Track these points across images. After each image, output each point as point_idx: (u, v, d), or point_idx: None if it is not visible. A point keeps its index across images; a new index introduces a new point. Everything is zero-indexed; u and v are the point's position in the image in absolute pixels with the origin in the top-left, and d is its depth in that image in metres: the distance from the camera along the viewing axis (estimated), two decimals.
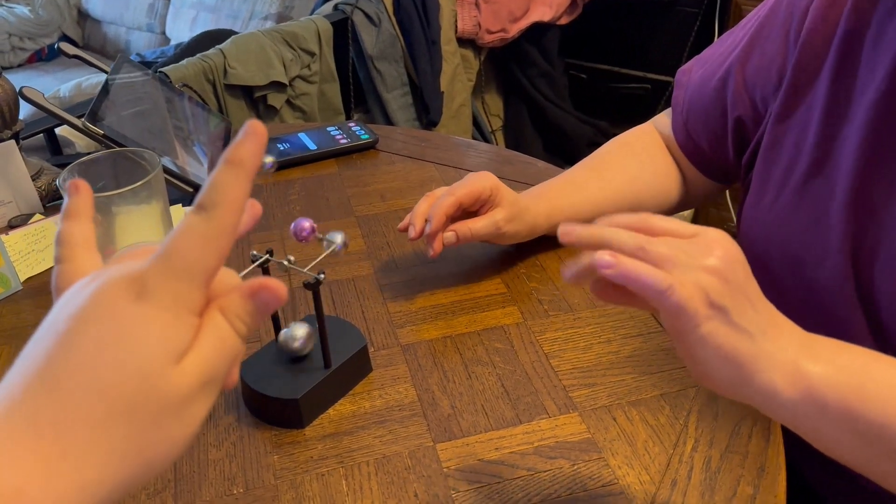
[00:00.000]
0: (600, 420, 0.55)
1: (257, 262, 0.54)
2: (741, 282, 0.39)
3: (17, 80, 2.21)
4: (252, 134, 0.29)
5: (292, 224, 0.54)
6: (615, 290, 0.41)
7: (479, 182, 0.66)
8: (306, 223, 0.53)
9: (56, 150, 0.99)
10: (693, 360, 0.40)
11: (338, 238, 0.53)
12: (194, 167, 0.86)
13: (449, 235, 0.65)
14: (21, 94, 0.76)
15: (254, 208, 0.35)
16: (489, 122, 2.05)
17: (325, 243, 0.53)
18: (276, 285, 0.30)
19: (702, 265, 0.38)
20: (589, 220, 0.42)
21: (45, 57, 2.75)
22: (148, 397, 0.27)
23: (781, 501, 0.49)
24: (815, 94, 0.58)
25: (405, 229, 0.67)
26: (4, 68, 2.59)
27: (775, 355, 0.39)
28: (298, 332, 0.55)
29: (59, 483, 0.25)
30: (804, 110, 0.58)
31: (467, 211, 0.66)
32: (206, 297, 0.29)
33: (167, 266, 0.28)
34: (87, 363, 0.26)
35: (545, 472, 0.51)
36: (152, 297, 0.27)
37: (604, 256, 0.37)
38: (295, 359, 0.57)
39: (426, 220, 0.65)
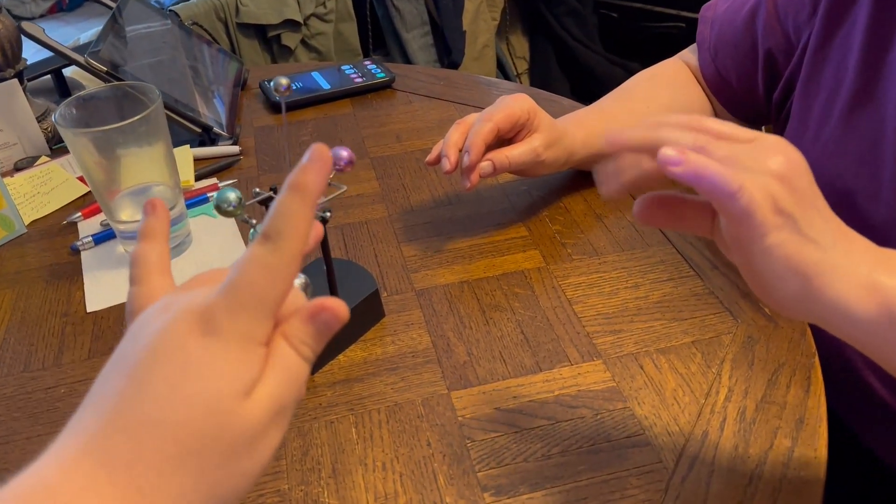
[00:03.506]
0: (626, 368, 0.51)
1: (258, 198, 0.50)
2: (808, 190, 0.35)
3: None
4: (318, 160, 0.28)
5: (330, 152, 0.50)
6: (661, 211, 0.38)
7: (517, 105, 0.60)
8: (344, 152, 0.49)
9: (65, 92, 0.96)
10: (755, 274, 0.36)
11: (343, 153, 0.49)
12: (204, 108, 0.83)
13: (485, 165, 0.59)
14: (20, 28, 0.72)
15: (317, 230, 0.34)
16: (514, 64, 1.98)
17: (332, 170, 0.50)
18: (336, 305, 0.28)
19: (767, 170, 0.34)
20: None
21: (65, 7, 2.72)
22: (219, 433, 0.26)
23: (822, 455, 0.45)
24: (854, 19, 0.53)
25: (434, 162, 0.61)
26: (26, 18, 2.57)
27: (847, 267, 0.35)
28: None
29: None
30: (842, 38, 0.54)
31: (502, 138, 0.61)
32: (272, 327, 0.28)
33: (234, 299, 0.27)
34: (158, 401, 0.26)
35: (566, 421, 0.48)
36: (221, 333, 0.27)
37: (669, 152, 0.33)
38: None
39: (460, 151, 0.60)
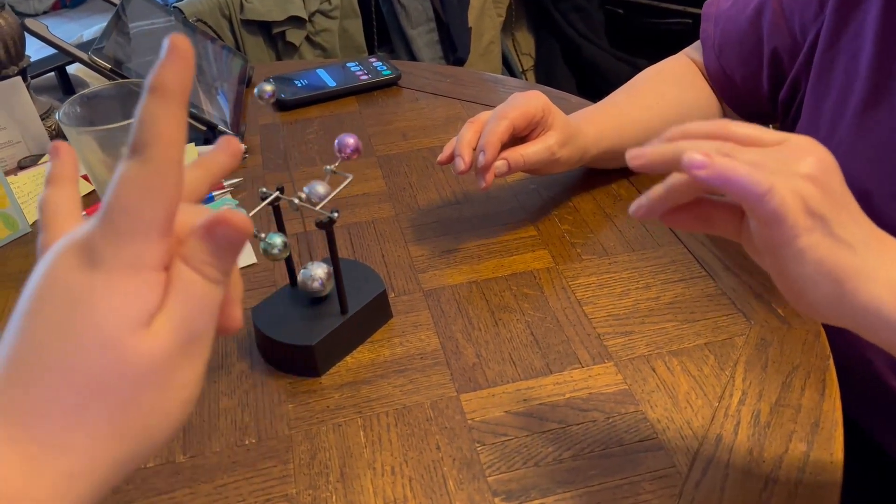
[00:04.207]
0: (638, 370, 0.51)
1: (267, 200, 0.50)
2: (839, 191, 0.34)
3: None
4: (173, 51, 0.25)
5: (336, 140, 0.50)
6: (689, 214, 0.37)
7: (532, 102, 0.59)
8: (350, 139, 0.49)
9: (68, 90, 0.95)
10: (786, 277, 0.35)
11: (350, 141, 0.48)
12: (208, 105, 0.82)
13: (500, 164, 0.58)
14: (24, 26, 0.72)
15: (231, 145, 0.31)
16: (520, 61, 1.96)
17: (326, 173, 0.49)
18: (234, 216, 0.25)
19: (797, 172, 0.33)
20: (638, 145, 0.37)
21: (68, 4, 2.71)
22: (119, 371, 0.24)
23: (839, 460, 0.44)
24: (864, 19, 0.53)
25: (446, 162, 0.60)
26: (29, 15, 2.56)
27: (881, 270, 0.34)
28: (317, 272, 0.52)
29: (41, 477, 0.24)
30: (852, 38, 0.54)
31: (516, 136, 0.60)
32: (166, 249, 0.26)
33: (110, 225, 0.25)
34: (47, 346, 0.24)
35: (577, 425, 0.47)
36: (103, 263, 0.24)
37: (695, 156, 0.32)
38: (310, 304, 0.54)
39: (474, 150, 0.59)
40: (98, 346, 0.24)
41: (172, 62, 0.25)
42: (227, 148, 0.32)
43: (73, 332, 0.24)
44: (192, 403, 0.27)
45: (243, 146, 0.80)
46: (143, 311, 0.25)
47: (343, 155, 0.50)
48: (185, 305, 0.26)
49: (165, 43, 0.25)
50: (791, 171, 0.33)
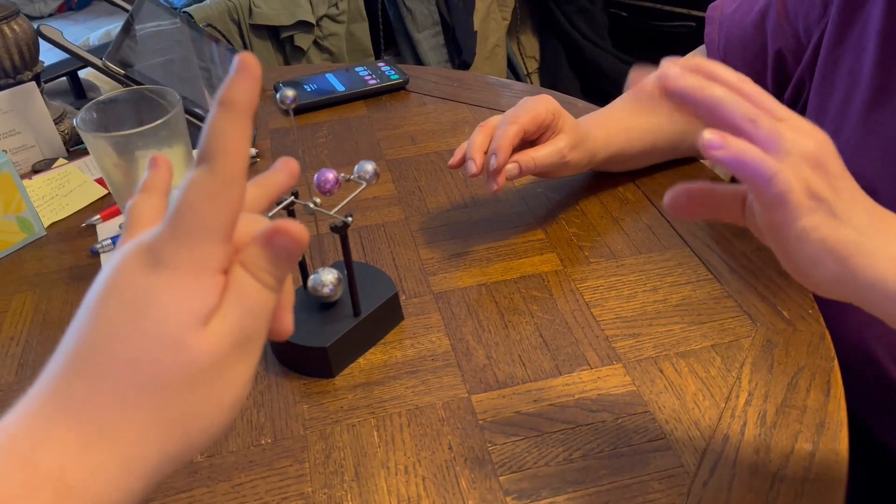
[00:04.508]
0: (646, 372, 0.52)
1: (282, 205, 0.51)
2: (838, 172, 0.35)
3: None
4: (243, 69, 0.26)
5: (315, 176, 0.51)
6: (693, 203, 0.38)
7: (542, 106, 0.60)
8: (330, 174, 0.50)
9: (80, 94, 0.97)
10: (791, 258, 0.36)
11: (368, 167, 0.50)
12: None
13: (511, 168, 0.58)
14: (39, 32, 0.73)
15: (289, 165, 0.33)
16: (524, 63, 1.97)
17: (355, 176, 0.50)
18: (292, 227, 0.27)
19: (799, 152, 0.34)
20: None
21: (75, 6, 2.73)
22: (176, 365, 0.26)
23: (843, 459, 0.45)
24: (867, 19, 0.53)
25: (457, 165, 0.61)
26: (35, 17, 2.57)
27: (883, 246, 0.35)
28: (327, 278, 0.53)
29: (99, 463, 0.25)
30: (856, 38, 0.54)
31: (527, 140, 0.61)
32: (227, 254, 0.27)
33: (178, 228, 0.26)
34: (111, 340, 0.26)
35: (586, 425, 0.48)
36: (168, 264, 0.26)
37: (711, 136, 0.33)
38: (323, 306, 0.55)
39: (485, 153, 0.59)
40: (159, 341, 0.26)
41: (241, 79, 0.26)
42: (286, 168, 0.33)
43: (136, 326, 0.26)
44: (241, 402, 0.28)
45: (254, 150, 0.81)
46: (201, 310, 0.26)
47: (324, 190, 0.51)
48: (241, 308, 0.27)
49: (235, 60, 0.26)
50: (795, 150, 0.34)
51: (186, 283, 0.26)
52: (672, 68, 0.35)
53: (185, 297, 0.26)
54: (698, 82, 0.35)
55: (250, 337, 0.28)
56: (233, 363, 0.27)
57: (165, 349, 0.26)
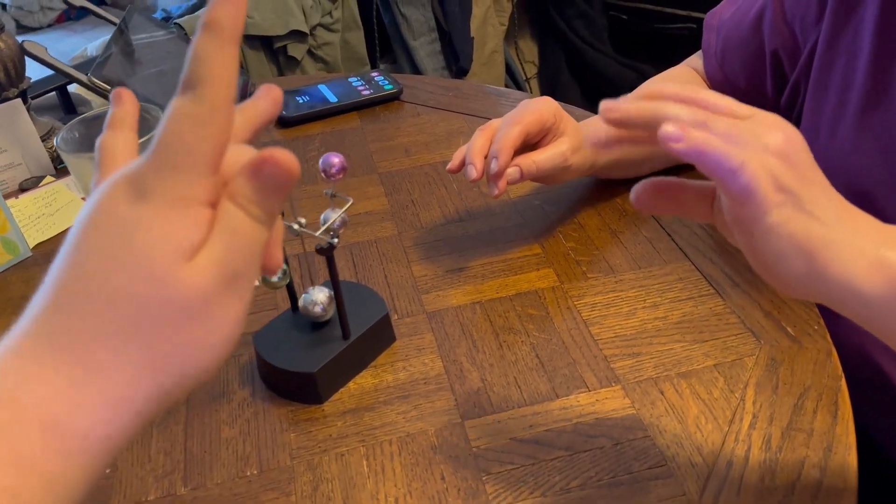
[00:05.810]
0: (646, 394, 0.50)
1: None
2: (808, 166, 0.34)
3: (46, 39, 2.19)
4: None
5: (321, 160, 0.49)
6: (660, 198, 0.37)
7: (544, 107, 0.58)
8: (335, 159, 0.48)
9: (70, 109, 0.95)
10: (759, 254, 0.35)
11: (335, 160, 0.47)
12: None
13: (512, 171, 0.57)
14: (22, 48, 0.71)
15: (272, 92, 0.32)
16: (523, 69, 1.96)
17: (320, 169, 0.48)
18: (281, 156, 0.26)
19: (765, 147, 0.33)
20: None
21: (73, 17, 2.73)
22: (161, 300, 0.25)
23: (853, 486, 0.43)
24: (861, 20, 0.52)
25: (456, 170, 0.59)
26: (33, 28, 2.57)
27: (853, 243, 0.34)
28: (318, 297, 0.51)
29: (85, 400, 0.25)
30: (850, 38, 0.53)
31: (528, 143, 0.59)
32: (214, 186, 0.26)
33: (162, 158, 0.25)
34: (94, 274, 0.25)
35: (585, 452, 0.46)
36: (152, 195, 0.25)
37: (669, 128, 0.32)
38: (312, 328, 0.53)
39: (486, 157, 0.58)
40: (144, 275, 0.25)
41: (226, 1, 0.25)
42: (269, 95, 0.32)
43: (119, 260, 0.25)
44: (230, 343, 0.27)
45: None
46: (188, 243, 0.25)
47: (329, 175, 0.49)
48: (228, 241, 0.26)
49: None
50: (760, 145, 0.33)
51: (172, 215, 0.25)
52: (608, 102, 0.35)
53: (171, 230, 0.25)
54: (637, 104, 0.34)
55: (239, 272, 0.26)
56: (222, 300, 0.26)
57: (149, 284, 0.25)
